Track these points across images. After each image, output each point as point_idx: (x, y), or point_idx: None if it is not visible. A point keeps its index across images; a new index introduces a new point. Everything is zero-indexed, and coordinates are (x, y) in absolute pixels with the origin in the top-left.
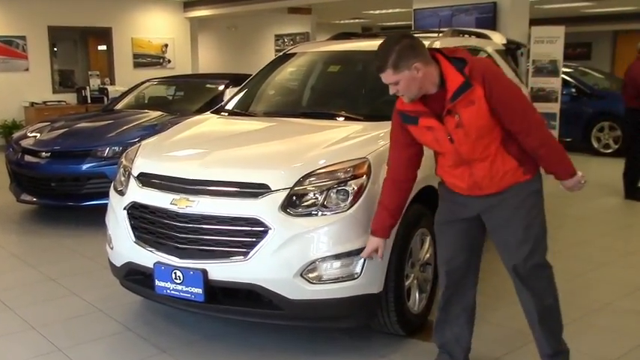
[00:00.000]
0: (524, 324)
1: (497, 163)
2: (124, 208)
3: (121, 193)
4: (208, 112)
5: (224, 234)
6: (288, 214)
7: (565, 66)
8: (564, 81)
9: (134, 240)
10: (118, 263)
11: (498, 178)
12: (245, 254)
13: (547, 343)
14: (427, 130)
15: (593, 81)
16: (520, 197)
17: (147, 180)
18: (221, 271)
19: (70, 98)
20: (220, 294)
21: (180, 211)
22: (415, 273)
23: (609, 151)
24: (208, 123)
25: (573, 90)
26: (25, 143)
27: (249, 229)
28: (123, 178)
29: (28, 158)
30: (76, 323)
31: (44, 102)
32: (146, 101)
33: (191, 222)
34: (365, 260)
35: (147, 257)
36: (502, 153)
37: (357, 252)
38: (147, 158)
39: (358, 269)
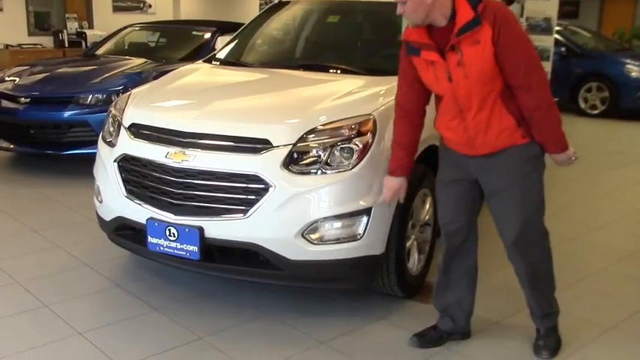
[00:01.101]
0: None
1: (494, 119)
2: (115, 161)
3: (111, 144)
4: (200, 61)
5: (222, 190)
6: (290, 171)
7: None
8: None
9: (125, 194)
10: (107, 217)
11: (494, 136)
12: (244, 212)
13: (537, 305)
14: (429, 65)
15: (582, 40)
16: (517, 161)
17: (139, 131)
18: (218, 229)
19: (47, 42)
20: (217, 252)
21: (176, 165)
22: (415, 234)
23: (596, 112)
24: (201, 72)
25: (563, 49)
26: (2, 88)
27: (249, 186)
28: (112, 129)
29: (5, 104)
30: (62, 278)
31: (19, 45)
32: (128, 47)
33: (187, 177)
34: (368, 221)
35: (139, 212)
36: (500, 108)
37: (361, 212)
38: (139, 108)
39: (361, 230)
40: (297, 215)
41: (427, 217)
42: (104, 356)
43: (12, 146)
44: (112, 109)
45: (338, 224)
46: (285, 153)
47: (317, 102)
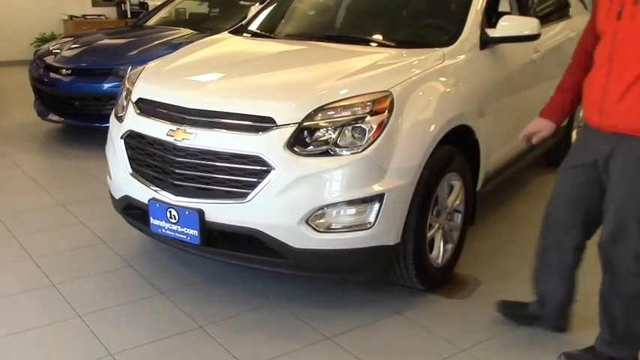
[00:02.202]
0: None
1: (638, 86)
2: (122, 137)
3: (120, 119)
4: (225, 32)
5: (223, 172)
6: (295, 152)
7: None
8: None
9: (130, 172)
10: (117, 196)
11: (626, 107)
12: (245, 196)
13: (623, 325)
14: None
15: None
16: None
17: (145, 107)
18: (219, 212)
19: (110, 12)
20: (219, 237)
21: (177, 143)
22: (440, 222)
23: None
24: (221, 45)
25: None
26: (47, 59)
27: (251, 167)
28: (124, 103)
29: (50, 75)
30: (77, 255)
31: (83, 15)
32: (178, 18)
33: (188, 156)
34: (380, 208)
35: (143, 192)
36: None
37: (372, 199)
38: (147, 82)
39: (372, 218)
40: (301, 200)
41: (457, 204)
42: (97, 342)
43: (59, 119)
44: (125, 82)
45: (346, 211)
46: (290, 132)
47: (331, 77)
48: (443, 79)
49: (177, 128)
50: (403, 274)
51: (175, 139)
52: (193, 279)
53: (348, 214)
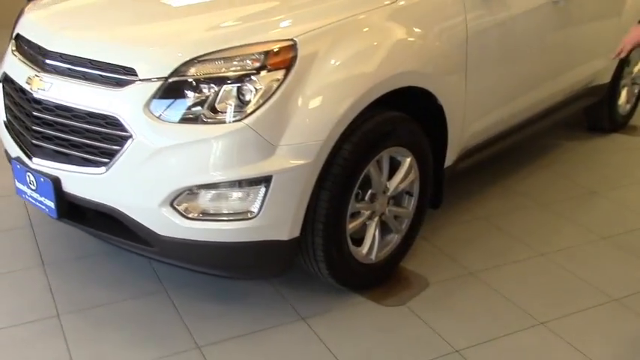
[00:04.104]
0: None
1: None
2: (1, 80)
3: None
4: None
5: (80, 134)
6: (157, 117)
7: None
8: None
9: (5, 120)
10: (2, 147)
11: None
12: (102, 166)
13: None
14: None
15: None
16: None
17: (19, 45)
18: (76, 183)
19: None
20: (82, 211)
21: (34, 94)
22: (376, 208)
23: None
24: None
25: None
26: None
27: (108, 131)
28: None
29: None
30: None
31: None
32: None
33: (45, 111)
34: (266, 194)
35: (12, 148)
36: None
37: (255, 182)
38: (29, 16)
39: (255, 206)
40: (162, 178)
41: (403, 185)
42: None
43: None
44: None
45: (221, 196)
46: (153, 90)
47: (215, 22)
48: (389, 24)
49: (35, 75)
50: (315, 270)
51: (32, 89)
52: (82, 252)
53: (224, 200)
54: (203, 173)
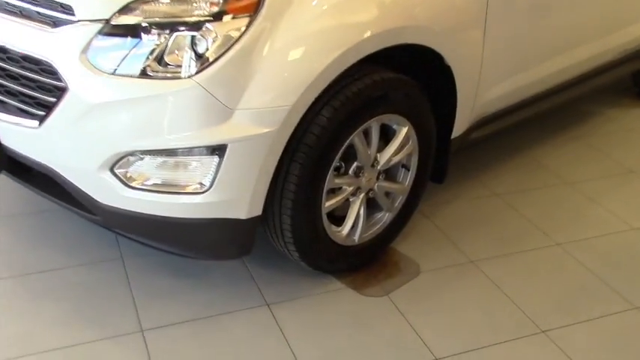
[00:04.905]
0: None
1: None
2: None
3: None
4: None
5: (16, 80)
6: (95, 67)
7: None
8: None
9: None
10: None
11: None
12: (37, 119)
13: None
14: None
15: None
16: None
17: None
18: (12, 135)
19: None
20: (26, 167)
21: None
22: (364, 183)
23: None
24: None
25: None
26: None
27: (44, 80)
28: None
29: None
30: None
31: None
32: None
33: None
34: (219, 165)
35: None
36: None
37: (206, 151)
38: None
39: (207, 179)
40: (100, 139)
41: (398, 158)
42: None
43: None
44: None
45: (167, 164)
46: (92, 34)
47: None
48: None
49: None
50: (286, 254)
51: None
52: (37, 207)
53: (171, 170)
54: (145, 137)
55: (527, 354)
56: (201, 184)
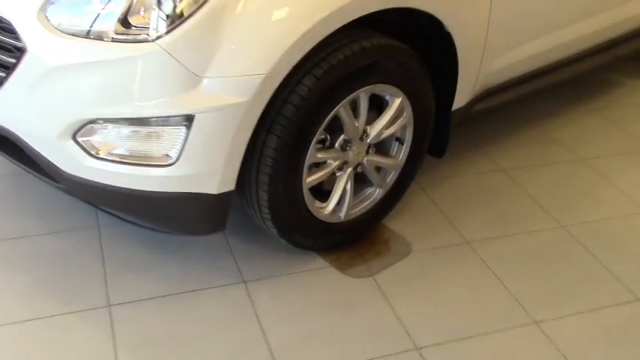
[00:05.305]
0: None
1: None
2: None
3: None
4: None
5: None
6: (55, 27)
7: None
8: None
9: None
10: None
11: None
12: None
13: None
14: None
15: None
16: None
17: None
18: None
19: None
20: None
21: None
22: (351, 157)
23: None
24: None
25: None
26: None
27: (2, 39)
28: None
29: None
30: None
31: None
32: None
33: None
34: (187, 137)
35: None
36: None
37: (173, 122)
38: None
39: (174, 151)
40: (61, 105)
41: (392, 130)
42: None
43: None
44: None
45: (131, 134)
46: None
47: None
48: None
49: None
50: (265, 230)
51: None
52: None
53: (135, 140)
54: (106, 104)
55: (514, 347)
56: (167, 155)
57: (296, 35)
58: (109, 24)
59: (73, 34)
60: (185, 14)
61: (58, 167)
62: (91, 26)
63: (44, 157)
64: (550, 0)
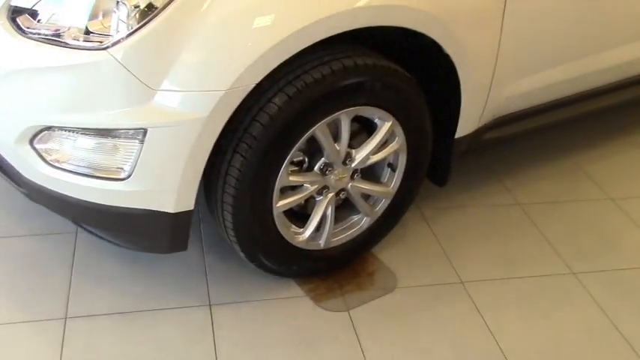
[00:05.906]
0: None
1: None
2: None
3: None
4: None
5: None
6: (18, 28)
7: None
8: None
9: None
10: None
11: None
12: None
13: None
14: None
15: None
16: None
17: None
18: None
19: None
20: None
21: None
22: (332, 182)
23: None
24: None
25: None
26: None
27: None
28: None
29: None
30: None
31: None
32: None
33: None
34: (140, 151)
35: None
36: None
37: (125, 134)
38: None
39: (128, 165)
40: (17, 109)
41: (381, 156)
42: None
43: None
44: None
45: (83, 144)
46: None
47: None
48: None
49: None
50: (235, 249)
51: None
52: None
53: (89, 150)
54: (61, 111)
55: None
56: (121, 169)
57: (259, 52)
58: (67, 29)
59: (32, 39)
60: (140, 22)
61: (16, 170)
62: (49, 30)
63: (5, 159)
64: (574, 27)
